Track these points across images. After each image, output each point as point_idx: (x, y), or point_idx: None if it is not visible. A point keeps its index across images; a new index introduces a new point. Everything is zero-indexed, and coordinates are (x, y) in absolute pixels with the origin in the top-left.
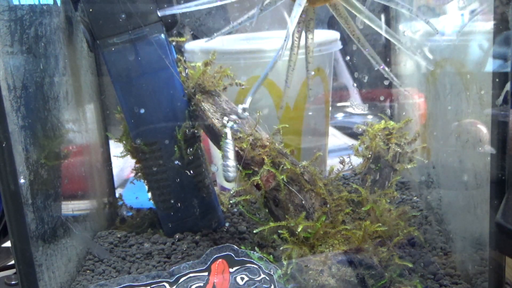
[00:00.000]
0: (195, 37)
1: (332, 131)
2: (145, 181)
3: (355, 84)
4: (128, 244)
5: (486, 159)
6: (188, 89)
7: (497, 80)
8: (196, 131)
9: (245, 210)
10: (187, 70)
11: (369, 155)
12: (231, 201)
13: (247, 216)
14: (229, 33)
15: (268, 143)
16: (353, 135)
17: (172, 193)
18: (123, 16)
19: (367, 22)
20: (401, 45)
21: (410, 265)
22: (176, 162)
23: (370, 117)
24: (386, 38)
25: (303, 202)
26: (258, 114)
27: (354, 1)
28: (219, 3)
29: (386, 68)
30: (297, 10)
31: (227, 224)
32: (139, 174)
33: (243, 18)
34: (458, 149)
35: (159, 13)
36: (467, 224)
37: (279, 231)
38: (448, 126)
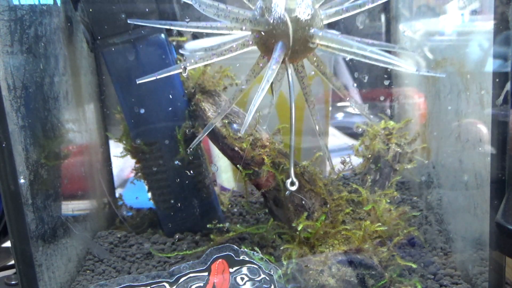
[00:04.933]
0: (195, 37)
1: (332, 131)
2: (145, 181)
3: (355, 84)
4: (128, 244)
5: (486, 159)
6: (188, 89)
7: (497, 80)
8: (196, 131)
9: (240, 214)
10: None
11: (369, 155)
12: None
13: (247, 216)
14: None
15: (268, 143)
16: (353, 135)
17: (172, 193)
18: (123, 16)
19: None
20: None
21: (414, 266)
22: (176, 162)
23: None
24: (386, 39)
25: (303, 202)
26: (258, 114)
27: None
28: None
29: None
30: (271, 74)
31: (227, 224)
32: (139, 174)
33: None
34: (458, 149)
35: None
36: (467, 224)
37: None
38: (448, 126)
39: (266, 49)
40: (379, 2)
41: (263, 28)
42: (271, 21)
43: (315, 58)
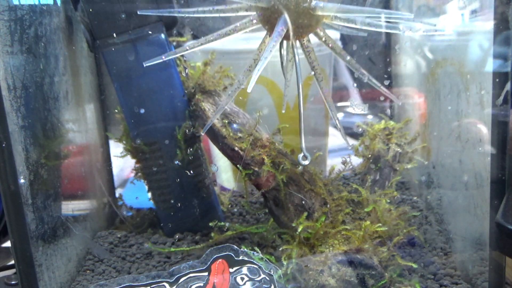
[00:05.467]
0: (195, 37)
1: (332, 131)
2: (145, 181)
3: (355, 84)
4: (128, 244)
5: (486, 159)
6: (188, 89)
7: (497, 80)
8: (196, 131)
9: (240, 214)
10: (187, 70)
11: (369, 155)
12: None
13: (247, 216)
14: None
15: (268, 143)
16: (353, 135)
17: (172, 193)
18: (123, 16)
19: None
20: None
21: (415, 266)
22: (176, 162)
23: (370, 117)
24: (386, 39)
25: (303, 202)
26: (258, 114)
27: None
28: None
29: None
30: (273, 45)
31: (227, 224)
32: (139, 174)
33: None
34: (458, 149)
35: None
36: (467, 224)
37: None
38: (448, 126)
39: (271, 26)
40: None
41: (265, 4)
42: None
43: (322, 33)
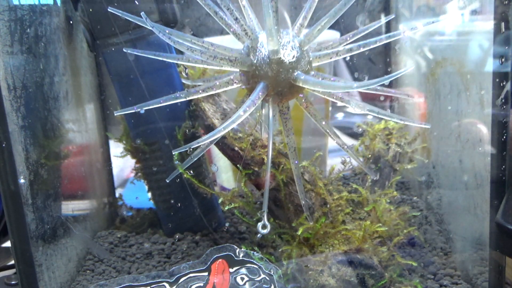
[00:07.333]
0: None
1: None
2: (145, 181)
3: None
4: (128, 244)
5: (486, 159)
6: (188, 89)
7: (497, 80)
8: (196, 131)
9: (241, 214)
10: (187, 70)
11: (369, 155)
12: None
13: (247, 216)
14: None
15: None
16: (353, 135)
17: (172, 193)
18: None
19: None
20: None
21: (415, 264)
22: (176, 162)
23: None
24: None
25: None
26: (258, 114)
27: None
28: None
29: None
30: (241, 116)
31: (227, 224)
32: (139, 174)
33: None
34: (458, 149)
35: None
36: (467, 224)
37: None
38: (448, 126)
39: (250, 88)
40: (368, 48)
41: (246, 68)
42: (255, 61)
43: (303, 100)
